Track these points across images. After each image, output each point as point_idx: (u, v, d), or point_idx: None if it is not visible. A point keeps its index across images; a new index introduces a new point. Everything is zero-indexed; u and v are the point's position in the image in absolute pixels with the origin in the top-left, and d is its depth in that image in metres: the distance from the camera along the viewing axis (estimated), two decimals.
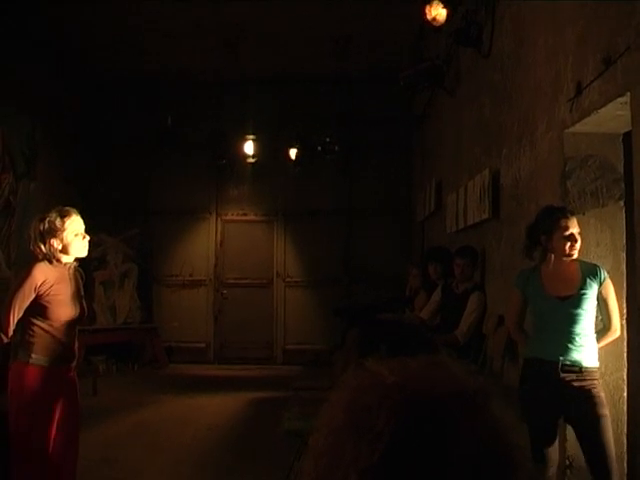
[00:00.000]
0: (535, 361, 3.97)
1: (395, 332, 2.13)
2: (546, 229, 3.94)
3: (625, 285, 4.21)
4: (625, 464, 4.13)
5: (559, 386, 3.82)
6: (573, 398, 3.80)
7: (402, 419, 0.84)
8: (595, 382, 3.83)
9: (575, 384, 3.80)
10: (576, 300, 3.86)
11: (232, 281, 12.69)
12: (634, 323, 3.91)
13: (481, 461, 0.83)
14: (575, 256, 3.94)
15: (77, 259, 4.27)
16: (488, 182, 6.20)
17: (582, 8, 4.10)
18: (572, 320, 3.85)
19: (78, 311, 4.21)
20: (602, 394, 3.83)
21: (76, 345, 4.26)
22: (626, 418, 4.15)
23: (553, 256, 3.97)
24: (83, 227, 4.22)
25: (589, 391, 3.79)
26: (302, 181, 12.20)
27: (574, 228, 3.91)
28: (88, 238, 4.24)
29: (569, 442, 4.14)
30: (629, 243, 4.20)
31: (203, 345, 12.54)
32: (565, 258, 3.93)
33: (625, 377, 4.18)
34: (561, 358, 3.82)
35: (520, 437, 0.90)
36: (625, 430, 4.15)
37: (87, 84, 12.04)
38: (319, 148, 11.01)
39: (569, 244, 3.90)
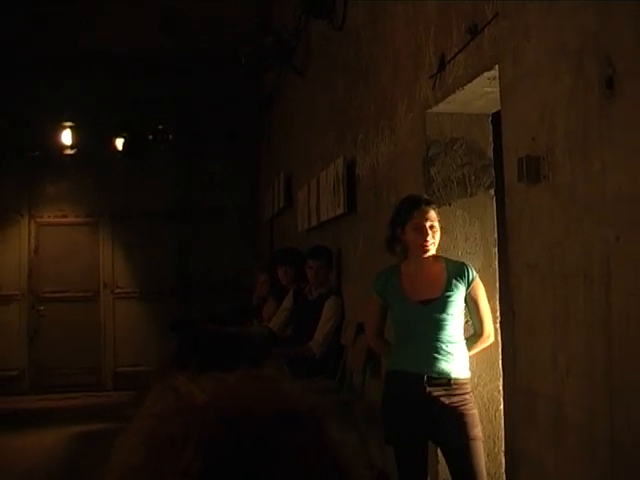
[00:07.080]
0: (398, 374, 3.92)
1: (214, 344, 2.01)
2: (400, 221, 3.90)
3: (497, 284, 4.24)
4: None
5: (425, 402, 3.76)
6: (441, 417, 3.76)
7: (214, 446, 0.77)
8: (466, 397, 3.80)
9: (443, 400, 3.75)
10: (440, 304, 3.81)
11: (50, 295, 12.09)
12: (508, 326, 3.89)
13: None
14: (431, 252, 3.89)
15: None
16: (342, 172, 6.17)
17: None
18: (437, 326, 3.80)
19: None
20: (474, 411, 3.81)
21: None
22: (503, 434, 4.16)
23: (412, 254, 3.91)
24: None
25: (458, 408, 3.75)
26: (132, 176, 11.78)
27: (429, 220, 3.85)
28: None
29: (441, 464, 4.09)
30: (501, 237, 4.21)
31: (15, 373, 11.85)
32: (422, 255, 3.88)
33: (501, 388, 4.22)
34: (427, 370, 3.77)
35: (364, 460, 0.86)
36: (503, 447, 4.16)
37: None
38: (150, 137, 10.66)
39: (422, 238, 3.83)
